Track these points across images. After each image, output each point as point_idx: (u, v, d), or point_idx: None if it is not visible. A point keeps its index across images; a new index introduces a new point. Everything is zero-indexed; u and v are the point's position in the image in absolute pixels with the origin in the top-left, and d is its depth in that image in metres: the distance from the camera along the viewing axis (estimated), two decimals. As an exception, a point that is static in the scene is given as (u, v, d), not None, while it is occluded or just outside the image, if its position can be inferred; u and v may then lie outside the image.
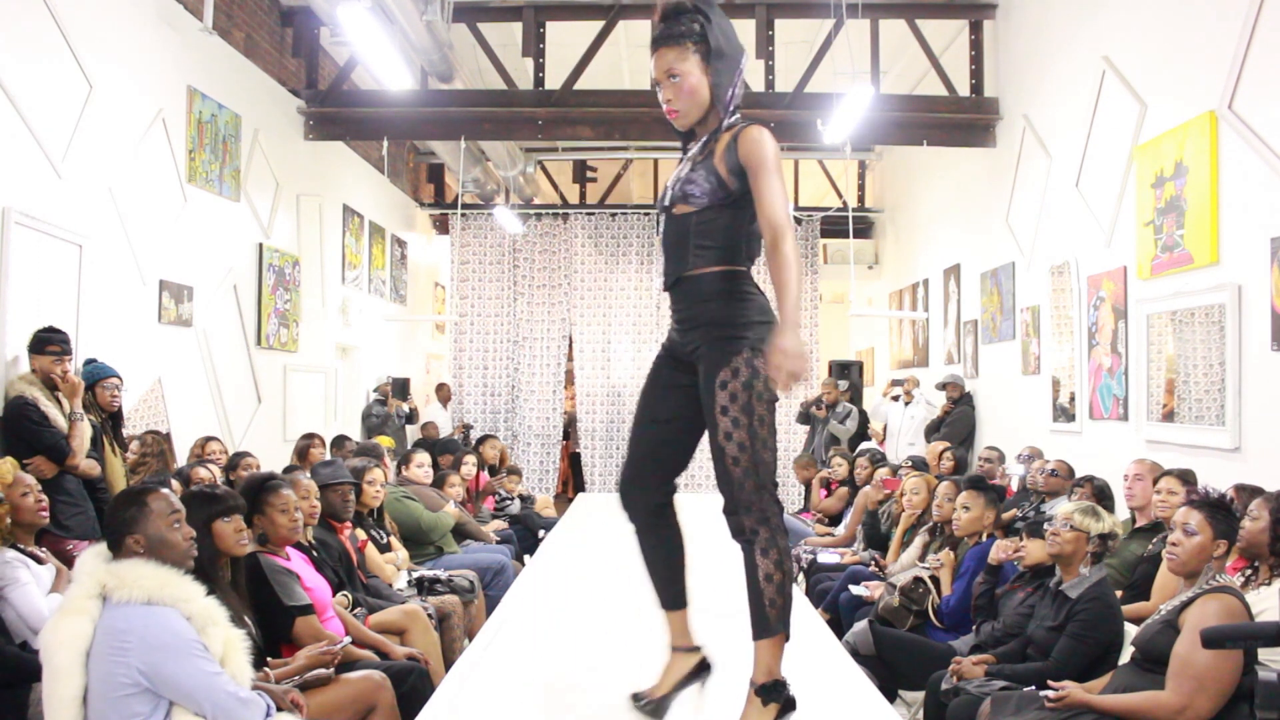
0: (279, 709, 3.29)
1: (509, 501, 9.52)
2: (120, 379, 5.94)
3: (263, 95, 9.06)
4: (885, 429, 11.11)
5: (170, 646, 3.01)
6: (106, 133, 6.59)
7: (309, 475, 5.28)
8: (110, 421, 5.85)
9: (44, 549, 4.45)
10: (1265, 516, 3.76)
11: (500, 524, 8.63)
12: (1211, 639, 2.87)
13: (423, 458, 7.68)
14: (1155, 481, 5.10)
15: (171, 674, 3.00)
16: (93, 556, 3.16)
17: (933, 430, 9.73)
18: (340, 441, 8.75)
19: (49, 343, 5.35)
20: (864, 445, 9.98)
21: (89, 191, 6.44)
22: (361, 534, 5.75)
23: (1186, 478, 4.91)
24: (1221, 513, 3.54)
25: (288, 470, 6.73)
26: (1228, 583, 3.38)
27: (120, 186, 6.75)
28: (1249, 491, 4.31)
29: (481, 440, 10.42)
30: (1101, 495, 5.40)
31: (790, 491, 11.46)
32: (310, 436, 8.21)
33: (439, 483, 7.67)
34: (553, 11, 9.68)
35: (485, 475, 9.57)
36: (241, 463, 6.72)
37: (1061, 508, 4.42)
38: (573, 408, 14.52)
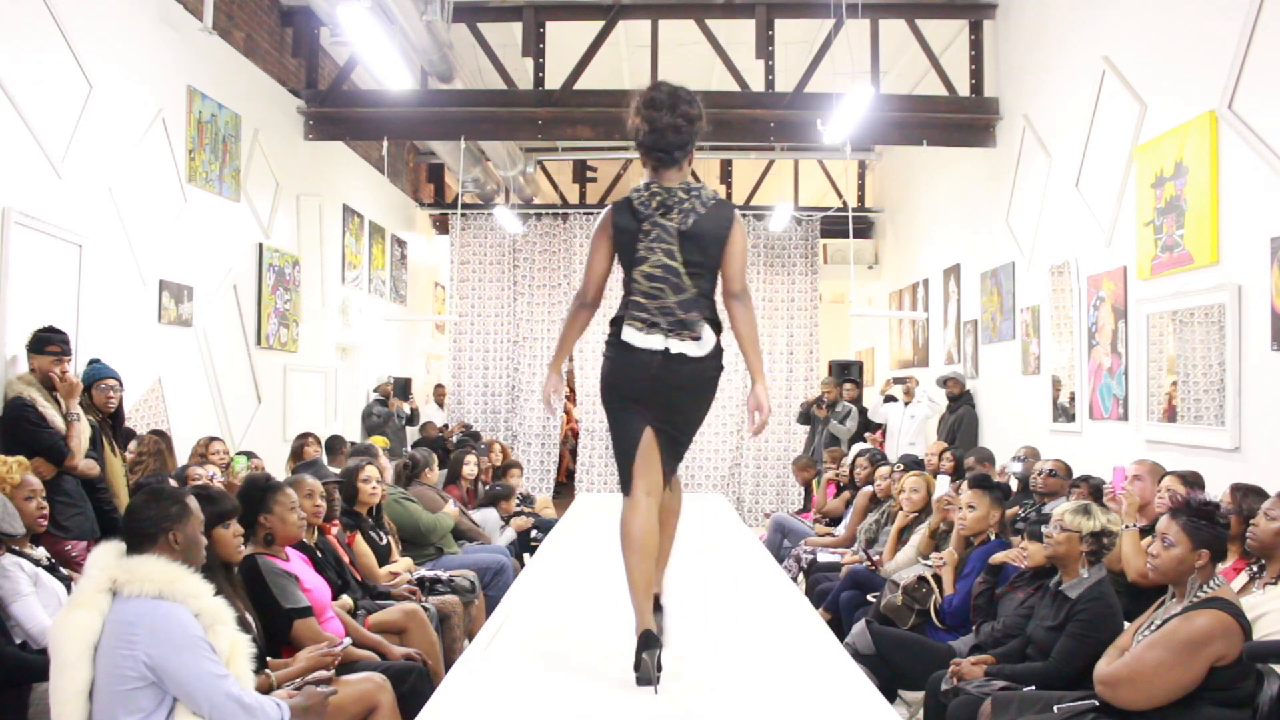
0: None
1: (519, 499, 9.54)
2: (119, 380, 5.93)
3: (263, 95, 9.07)
4: (884, 430, 11.06)
5: (177, 641, 3.02)
6: (106, 133, 6.59)
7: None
8: (110, 421, 5.84)
9: (41, 548, 4.43)
10: None
11: (524, 520, 8.52)
12: (1254, 657, 2.90)
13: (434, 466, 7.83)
14: (1159, 480, 5.08)
15: (176, 669, 3.00)
16: (106, 552, 3.18)
17: (949, 440, 9.54)
18: (334, 444, 8.70)
19: (49, 343, 5.34)
20: (861, 445, 9.93)
21: (89, 191, 6.44)
22: (348, 531, 5.74)
23: (1189, 479, 4.87)
24: (1203, 521, 3.43)
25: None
26: (1220, 590, 3.37)
27: (120, 186, 6.76)
28: (1244, 491, 4.31)
29: (466, 451, 10.43)
30: (1098, 494, 5.38)
31: (790, 492, 11.47)
32: (305, 436, 8.21)
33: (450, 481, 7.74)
34: (552, 11, 9.68)
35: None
36: (250, 464, 6.74)
37: (1057, 508, 4.42)
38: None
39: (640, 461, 3.57)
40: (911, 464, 7.59)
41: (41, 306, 5.79)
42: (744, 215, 13.74)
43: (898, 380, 11.21)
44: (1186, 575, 3.45)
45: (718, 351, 3.54)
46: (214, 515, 3.69)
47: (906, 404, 10.76)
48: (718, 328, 3.53)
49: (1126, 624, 3.95)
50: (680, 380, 3.49)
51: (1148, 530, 5.09)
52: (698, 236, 3.44)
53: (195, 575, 3.19)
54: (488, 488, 9.04)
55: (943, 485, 6.42)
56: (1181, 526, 3.47)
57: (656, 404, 3.54)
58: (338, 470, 6.28)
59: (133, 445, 6.22)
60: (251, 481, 4.52)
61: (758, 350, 3.62)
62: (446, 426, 13.15)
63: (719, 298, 3.58)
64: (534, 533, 8.37)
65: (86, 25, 6.33)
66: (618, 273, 3.67)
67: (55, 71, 6.07)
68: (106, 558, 3.16)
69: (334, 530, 5.40)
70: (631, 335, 3.49)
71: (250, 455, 7.17)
